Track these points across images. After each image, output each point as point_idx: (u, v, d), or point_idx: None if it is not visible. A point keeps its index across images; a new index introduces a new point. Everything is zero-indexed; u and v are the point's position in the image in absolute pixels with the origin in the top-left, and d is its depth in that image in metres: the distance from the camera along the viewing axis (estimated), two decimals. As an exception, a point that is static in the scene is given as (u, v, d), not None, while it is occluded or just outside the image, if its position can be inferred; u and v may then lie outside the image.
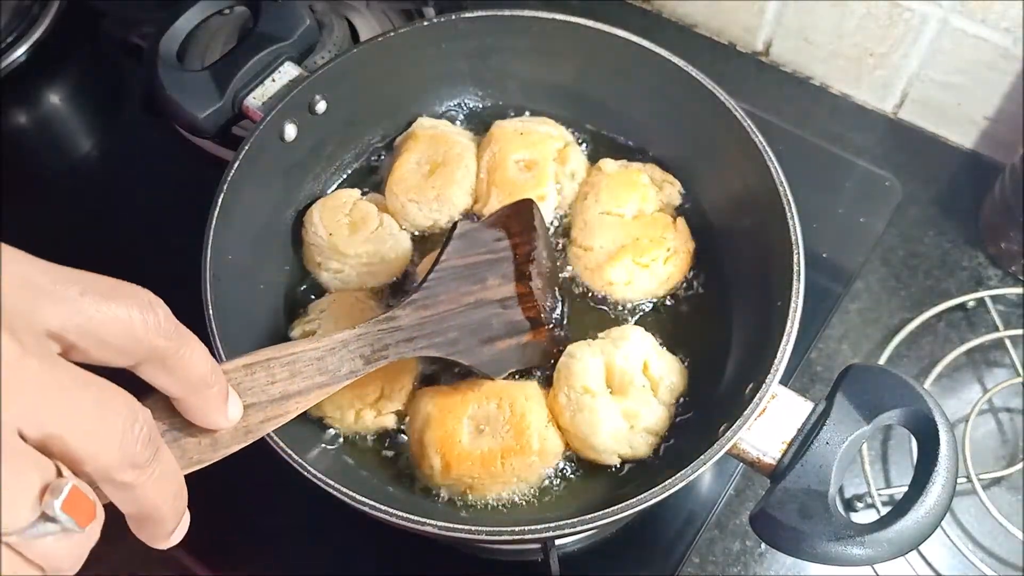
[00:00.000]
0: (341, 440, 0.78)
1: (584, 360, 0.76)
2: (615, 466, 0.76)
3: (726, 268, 0.85)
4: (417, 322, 0.70)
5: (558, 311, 0.83)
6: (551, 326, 0.80)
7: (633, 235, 0.84)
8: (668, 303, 0.84)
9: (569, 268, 0.86)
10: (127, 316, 0.43)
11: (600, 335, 0.80)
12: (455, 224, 0.75)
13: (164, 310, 0.45)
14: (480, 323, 0.74)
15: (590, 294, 0.84)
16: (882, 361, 0.93)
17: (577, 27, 0.86)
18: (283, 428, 0.67)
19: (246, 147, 0.79)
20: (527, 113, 0.94)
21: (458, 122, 0.94)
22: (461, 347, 0.72)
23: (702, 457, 0.64)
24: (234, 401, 0.52)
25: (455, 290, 0.73)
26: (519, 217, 0.79)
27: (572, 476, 0.77)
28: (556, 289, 0.83)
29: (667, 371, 0.78)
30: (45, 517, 0.38)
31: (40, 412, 0.38)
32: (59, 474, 0.39)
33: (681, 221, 0.87)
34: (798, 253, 0.72)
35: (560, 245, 0.87)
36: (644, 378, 0.77)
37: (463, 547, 0.84)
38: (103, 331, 0.42)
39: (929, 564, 0.84)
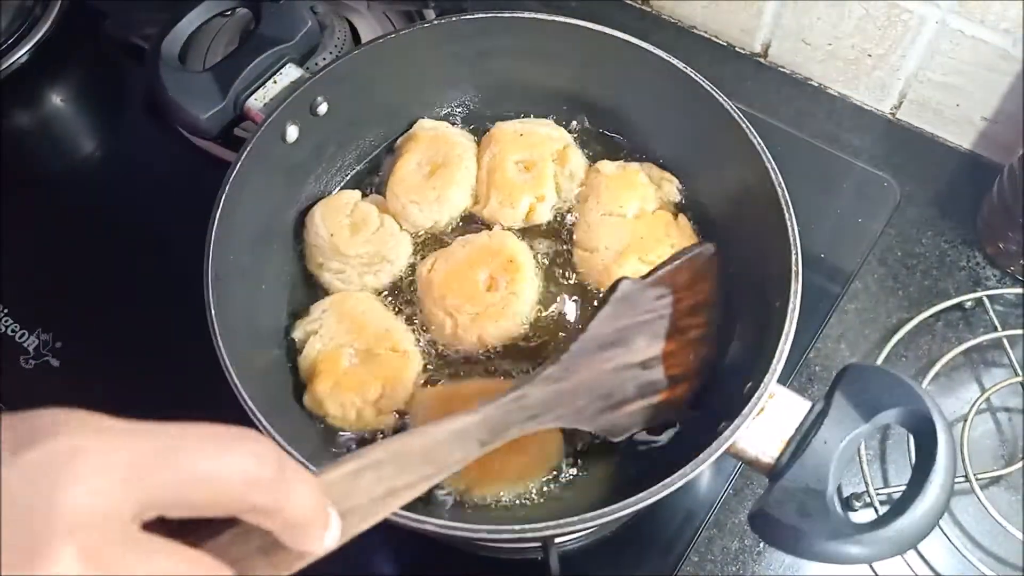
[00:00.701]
0: (341, 439, 0.78)
1: None
2: (616, 463, 0.76)
3: (724, 268, 0.85)
4: (547, 397, 0.64)
5: (709, 354, 0.75)
6: (694, 380, 0.74)
7: (637, 234, 0.85)
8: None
9: (575, 271, 0.86)
10: (227, 479, 0.40)
11: None
12: (616, 283, 0.68)
13: (270, 462, 0.41)
14: (613, 388, 0.68)
15: (598, 295, 0.85)
16: (880, 361, 0.94)
17: (577, 29, 0.86)
18: (284, 425, 0.68)
19: (248, 148, 0.79)
20: (530, 115, 0.94)
21: (458, 123, 0.95)
22: (586, 415, 0.67)
23: (701, 456, 0.64)
24: (333, 527, 0.46)
25: (597, 358, 0.67)
26: (693, 269, 0.72)
27: (572, 475, 0.77)
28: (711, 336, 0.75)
29: None
30: None
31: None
32: None
33: (682, 218, 0.87)
34: (796, 253, 0.73)
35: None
36: None
37: (463, 545, 0.84)
38: (194, 501, 0.39)
39: (927, 563, 0.84)
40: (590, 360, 0.67)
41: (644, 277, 0.70)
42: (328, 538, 0.45)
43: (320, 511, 0.45)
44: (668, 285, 0.70)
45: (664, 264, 0.71)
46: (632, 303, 0.68)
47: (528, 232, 0.89)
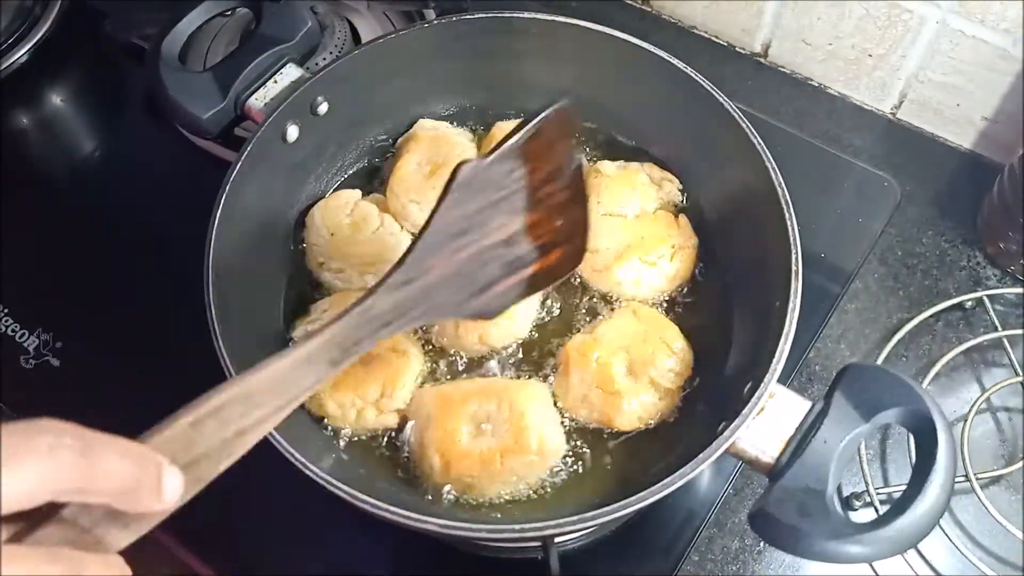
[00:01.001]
0: (342, 439, 0.78)
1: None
2: (616, 462, 0.76)
3: (725, 268, 0.85)
4: (397, 303, 0.61)
5: (580, 214, 0.71)
6: (570, 243, 0.71)
7: (638, 234, 0.85)
8: (666, 303, 0.85)
9: (576, 271, 0.86)
10: (17, 485, 0.39)
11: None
12: (457, 168, 0.63)
13: (65, 448, 0.41)
14: (475, 273, 0.65)
15: (595, 296, 0.85)
16: (880, 361, 0.94)
17: (577, 29, 0.86)
18: (284, 427, 0.67)
19: (248, 148, 0.79)
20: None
21: (459, 123, 0.95)
22: (449, 306, 0.65)
23: (701, 455, 0.65)
24: (171, 480, 0.46)
25: (447, 249, 0.63)
26: (543, 135, 0.66)
27: (572, 474, 0.77)
28: (579, 190, 0.71)
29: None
30: None
31: None
32: None
33: (683, 218, 0.87)
34: (796, 253, 0.73)
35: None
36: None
37: (463, 545, 0.84)
38: None
39: (928, 563, 0.84)
40: (440, 253, 0.63)
41: (488, 154, 0.64)
42: (168, 493, 0.46)
43: (143, 474, 0.45)
44: (518, 157, 0.65)
45: (510, 135, 0.65)
46: (478, 186, 0.64)
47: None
